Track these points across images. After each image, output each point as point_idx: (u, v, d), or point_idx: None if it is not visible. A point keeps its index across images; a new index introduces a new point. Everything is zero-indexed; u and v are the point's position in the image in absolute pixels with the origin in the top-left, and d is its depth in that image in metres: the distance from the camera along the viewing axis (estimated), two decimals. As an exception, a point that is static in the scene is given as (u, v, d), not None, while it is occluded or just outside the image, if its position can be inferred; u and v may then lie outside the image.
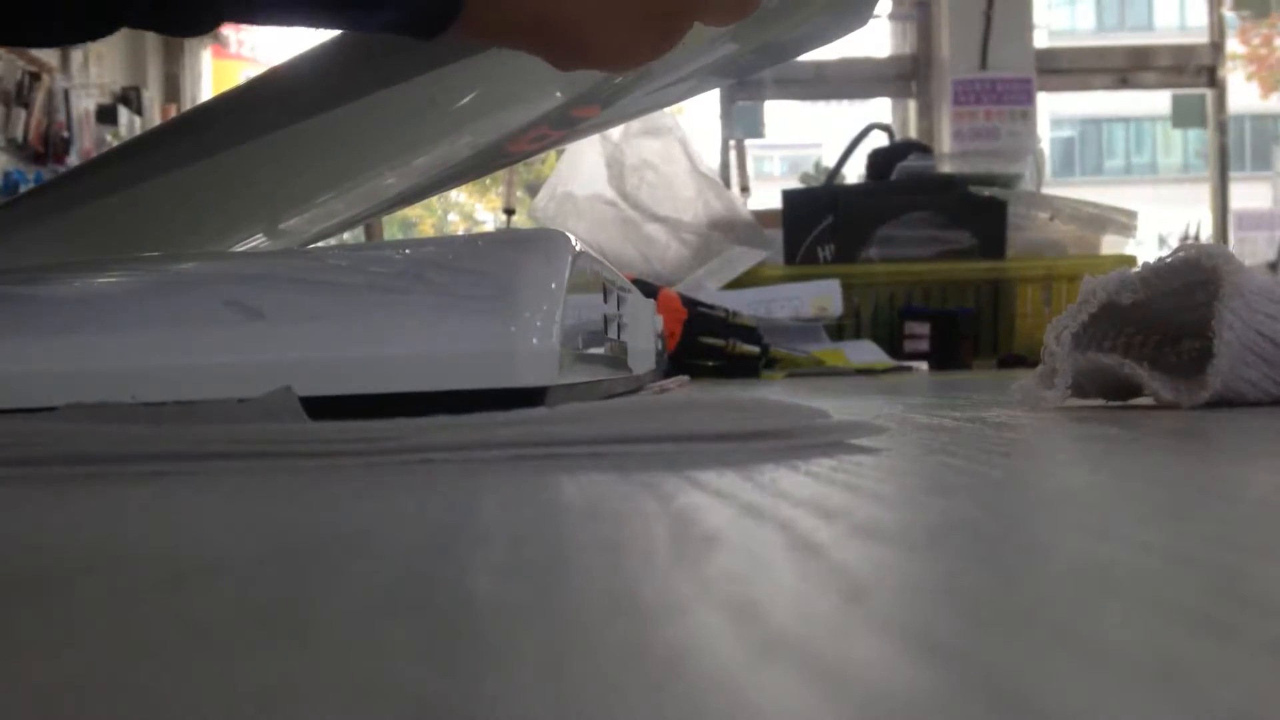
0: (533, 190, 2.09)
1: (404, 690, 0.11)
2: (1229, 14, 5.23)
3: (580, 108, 0.59)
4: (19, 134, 3.64)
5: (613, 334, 0.51)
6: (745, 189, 2.73)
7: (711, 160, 2.95)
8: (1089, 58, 4.65)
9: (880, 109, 4.65)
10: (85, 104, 4.05)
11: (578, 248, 0.43)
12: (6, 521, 0.24)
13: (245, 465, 0.30)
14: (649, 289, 1.09)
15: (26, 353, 0.39)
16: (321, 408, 0.35)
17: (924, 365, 1.50)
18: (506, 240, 0.44)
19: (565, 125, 0.62)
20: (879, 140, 1.98)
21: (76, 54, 3.92)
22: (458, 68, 0.49)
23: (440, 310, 0.39)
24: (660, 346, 0.66)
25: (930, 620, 0.13)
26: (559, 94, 0.55)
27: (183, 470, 0.30)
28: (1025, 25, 4.02)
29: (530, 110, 0.57)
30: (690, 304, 1.22)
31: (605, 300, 0.49)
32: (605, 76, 0.55)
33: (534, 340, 0.38)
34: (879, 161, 1.89)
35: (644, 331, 0.57)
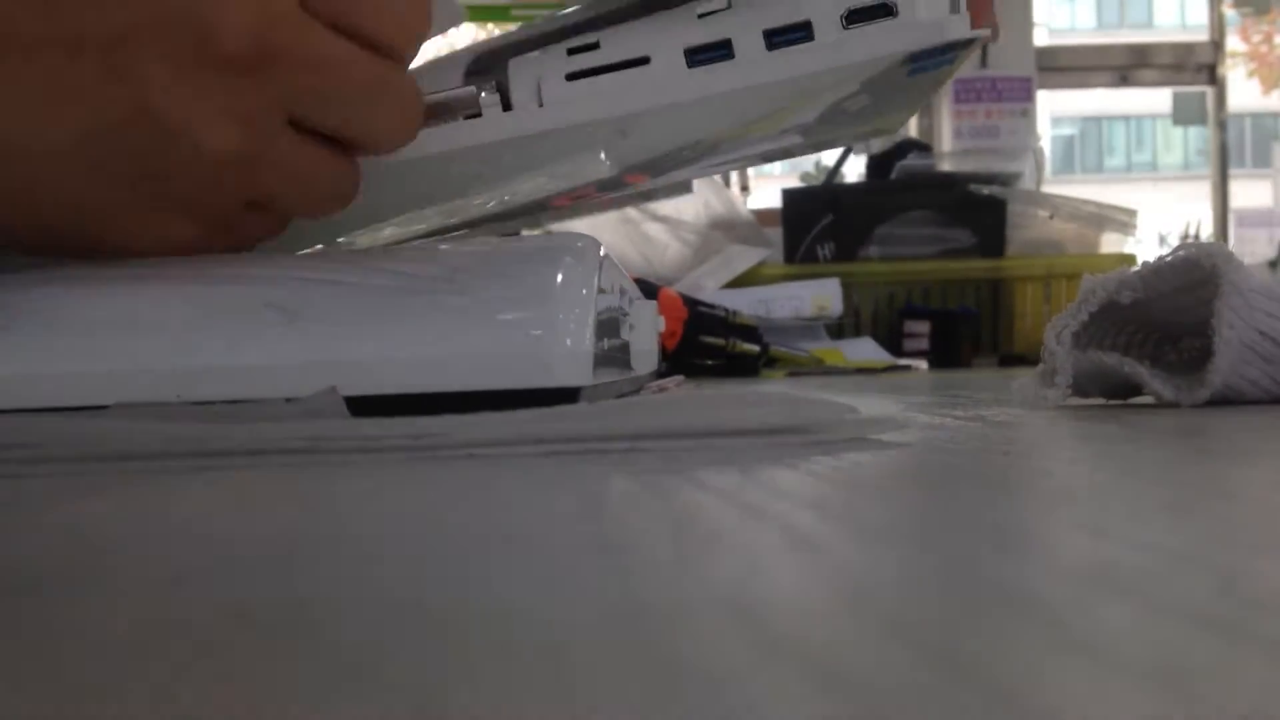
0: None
1: (404, 690, 0.11)
2: (1229, 11, 5.23)
3: (630, 175, 0.60)
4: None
5: (624, 335, 0.51)
6: (745, 188, 2.73)
7: (711, 159, 2.94)
8: (1089, 55, 4.65)
9: (880, 107, 4.64)
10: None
11: (602, 252, 0.44)
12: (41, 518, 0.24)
13: (288, 460, 0.31)
14: (649, 289, 1.09)
15: (74, 351, 0.40)
16: (362, 407, 0.36)
17: (924, 364, 1.50)
18: (538, 245, 0.45)
19: (613, 189, 0.62)
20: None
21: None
22: (507, 145, 0.49)
23: (479, 312, 0.40)
24: (658, 346, 0.67)
25: (929, 619, 0.13)
26: (608, 165, 0.55)
27: (230, 466, 0.30)
28: (1025, 23, 4.01)
29: (576, 179, 0.57)
30: (690, 303, 1.22)
31: (620, 302, 0.50)
32: (663, 153, 0.55)
33: (568, 342, 0.40)
34: (879, 160, 1.89)
35: (646, 332, 0.58)
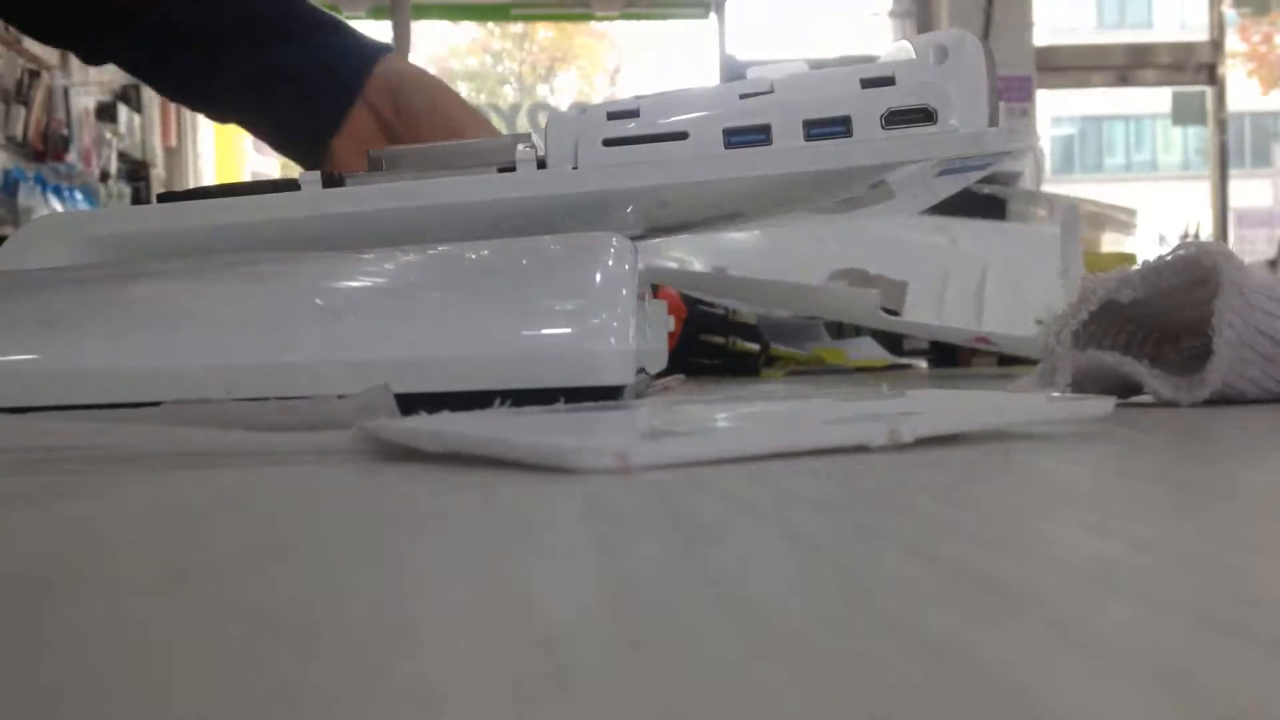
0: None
1: (404, 690, 0.11)
2: (1229, 11, 5.23)
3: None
4: (18, 132, 3.64)
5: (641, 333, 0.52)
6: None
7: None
8: (1089, 55, 4.65)
9: (880, 106, 4.63)
10: (85, 102, 4.05)
11: (635, 250, 0.45)
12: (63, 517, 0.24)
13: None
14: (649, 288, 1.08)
15: (123, 348, 0.41)
16: (409, 404, 0.36)
17: (923, 363, 1.50)
18: (576, 244, 0.44)
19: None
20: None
21: (76, 52, 3.92)
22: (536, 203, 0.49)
23: (523, 312, 0.41)
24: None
25: (928, 618, 0.13)
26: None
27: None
28: (1025, 22, 4.02)
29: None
30: (690, 302, 1.22)
31: (640, 301, 0.50)
32: (697, 220, 0.55)
33: (612, 341, 0.41)
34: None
35: (657, 331, 0.58)
